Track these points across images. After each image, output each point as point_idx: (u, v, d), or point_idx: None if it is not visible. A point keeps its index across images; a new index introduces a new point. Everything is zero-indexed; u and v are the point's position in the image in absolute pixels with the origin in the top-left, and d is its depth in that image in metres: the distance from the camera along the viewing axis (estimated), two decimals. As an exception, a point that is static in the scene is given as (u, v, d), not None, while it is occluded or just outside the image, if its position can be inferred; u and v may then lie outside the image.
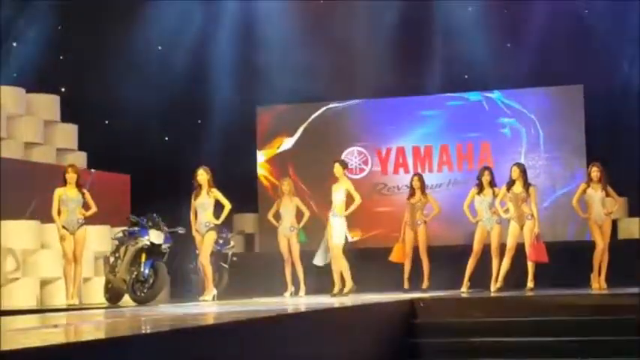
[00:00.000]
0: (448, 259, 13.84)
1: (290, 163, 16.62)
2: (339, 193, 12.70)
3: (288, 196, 13.91)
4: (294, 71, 16.23)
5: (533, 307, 10.71)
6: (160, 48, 17.08)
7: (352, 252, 13.30)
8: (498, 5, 16.25)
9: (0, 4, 15.55)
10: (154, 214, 12.41)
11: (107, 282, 12.54)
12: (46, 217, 12.62)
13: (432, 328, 10.54)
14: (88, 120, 16.10)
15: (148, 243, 12.05)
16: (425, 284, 13.46)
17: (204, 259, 12.53)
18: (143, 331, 6.51)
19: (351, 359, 8.84)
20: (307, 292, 13.64)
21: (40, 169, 14.14)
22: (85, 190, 12.35)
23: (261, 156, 16.83)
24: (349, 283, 12.57)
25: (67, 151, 15.54)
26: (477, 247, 12.76)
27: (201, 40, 16.88)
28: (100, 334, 6.49)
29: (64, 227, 12.17)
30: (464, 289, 12.73)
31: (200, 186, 12.56)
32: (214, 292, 12.54)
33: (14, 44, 16.24)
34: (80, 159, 15.44)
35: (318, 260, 13.02)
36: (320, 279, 13.53)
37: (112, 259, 12.47)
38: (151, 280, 11.99)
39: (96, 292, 13.26)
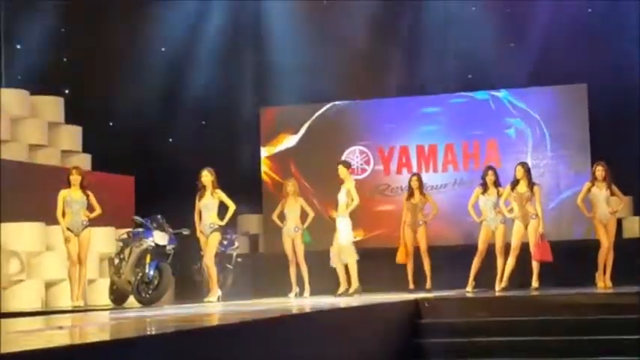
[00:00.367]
0: (450, 259, 13.82)
1: (292, 160, 16.57)
2: (342, 193, 12.73)
3: (292, 197, 13.90)
4: (298, 71, 16.22)
5: (539, 307, 10.69)
6: (163, 49, 17.09)
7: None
8: (502, 5, 16.23)
9: (3, 6, 15.57)
10: (159, 216, 12.41)
11: (112, 283, 12.52)
12: (50, 219, 12.63)
13: (437, 328, 10.54)
14: (92, 122, 16.11)
15: (153, 244, 12.04)
16: (428, 284, 13.48)
17: (209, 260, 12.53)
18: (148, 333, 6.51)
19: (356, 360, 8.85)
20: (312, 293, 13.64)
21: (44, 171, 14.14)
22: (89, 192, 12.37)
23: (264, 152, 16.78)
24: (355, 284, 12.58)
25: (72, 153, 15.54)
26: (481, 246, 12.75)
27: (204, 42, 16.88)
28: (105, 336, 6.49)
29: (68, 229, 12.19)
30: (469, 288, 12.73)
31: (204, 187, 12.58)
32: (219, 293, 12.54)
33: (18, 46, 16.26)
34: (84, 161, 15.44)
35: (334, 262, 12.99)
36: (325, 280, 13.52)
37: (116, 261, 12.45)
38: (156, 282, 11.99)
39: (101, 294, 13.26)
